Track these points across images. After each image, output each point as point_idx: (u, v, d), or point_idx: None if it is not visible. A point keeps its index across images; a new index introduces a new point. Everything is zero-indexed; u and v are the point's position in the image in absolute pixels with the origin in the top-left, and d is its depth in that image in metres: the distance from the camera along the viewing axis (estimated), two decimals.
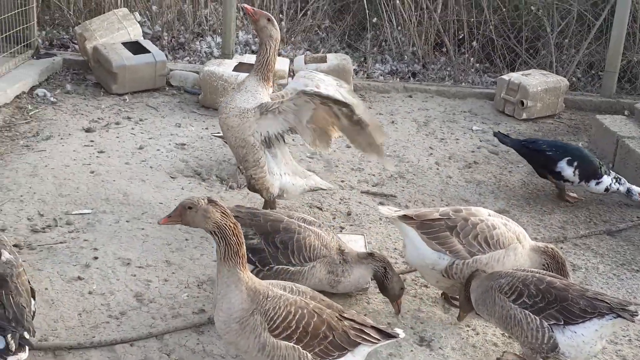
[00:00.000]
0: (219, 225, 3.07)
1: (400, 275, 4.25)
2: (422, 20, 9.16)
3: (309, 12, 9.44)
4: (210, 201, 3.12)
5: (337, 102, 4.46)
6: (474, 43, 9.10)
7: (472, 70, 9.00)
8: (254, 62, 4.79)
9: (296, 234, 3.87)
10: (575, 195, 5.92)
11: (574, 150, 5.80)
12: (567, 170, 5.67)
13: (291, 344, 3.07)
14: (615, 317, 3.48)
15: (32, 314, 3.35)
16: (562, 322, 3.54)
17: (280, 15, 9.22)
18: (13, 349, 3.08)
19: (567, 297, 3.55)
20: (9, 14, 7.33)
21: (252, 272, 3.72)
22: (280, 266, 3.84)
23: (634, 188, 5.64)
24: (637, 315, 3.45)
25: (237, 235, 3.10)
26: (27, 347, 3.18)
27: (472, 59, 9.09)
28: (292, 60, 8.01)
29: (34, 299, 3.49)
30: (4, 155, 5.82)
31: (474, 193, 5.95)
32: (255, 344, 3.07)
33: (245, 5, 4.83)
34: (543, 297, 3.59)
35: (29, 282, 3.50)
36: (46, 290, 4.11)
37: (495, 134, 6.18)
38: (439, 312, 4.25)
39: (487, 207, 5.48)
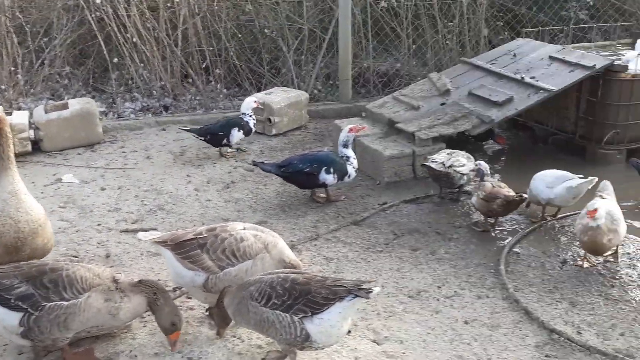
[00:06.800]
0: None
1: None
2: (165, 54, 9.29)
3: (45, 61, 9.13)
4: None
5: None
6: (217, 70, 9.41)
7: (221, 96, 9.31)
8: None
9: (64, 270, 3.86)
10: (323, 195, 6.39)
11: (324, 159, 6.19)
12: (329, 177, 6.13)
13: None
14: (353, 298, 3.82)
15: None
16: (310, 313, 3.80)
17: (14, 68, 8.82)
18: None
19: (310, 290, 3.81)
20: None
21: (22, 318, 3.76)
22: (53, 303, 3.78)
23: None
24: (371, 292, 3.81)
25: None
26: None
27: (218, 85, 9.39)
28: (31, 113, 7.72)
29: None
30: None
31: (234, 211, 6.18)
32: None
33: None
34: (290, 294, 3.83)
35: None
36: None
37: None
38: (205, 330, 4.35)
39: (246, 221, 5.75)
